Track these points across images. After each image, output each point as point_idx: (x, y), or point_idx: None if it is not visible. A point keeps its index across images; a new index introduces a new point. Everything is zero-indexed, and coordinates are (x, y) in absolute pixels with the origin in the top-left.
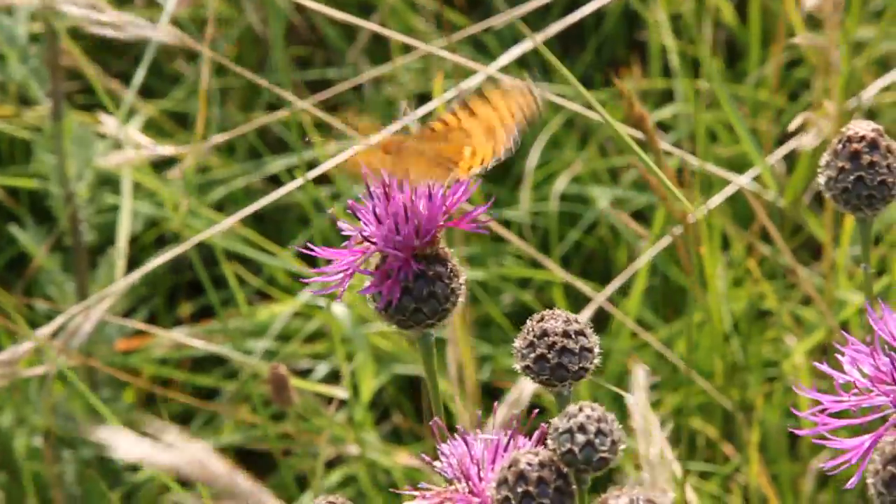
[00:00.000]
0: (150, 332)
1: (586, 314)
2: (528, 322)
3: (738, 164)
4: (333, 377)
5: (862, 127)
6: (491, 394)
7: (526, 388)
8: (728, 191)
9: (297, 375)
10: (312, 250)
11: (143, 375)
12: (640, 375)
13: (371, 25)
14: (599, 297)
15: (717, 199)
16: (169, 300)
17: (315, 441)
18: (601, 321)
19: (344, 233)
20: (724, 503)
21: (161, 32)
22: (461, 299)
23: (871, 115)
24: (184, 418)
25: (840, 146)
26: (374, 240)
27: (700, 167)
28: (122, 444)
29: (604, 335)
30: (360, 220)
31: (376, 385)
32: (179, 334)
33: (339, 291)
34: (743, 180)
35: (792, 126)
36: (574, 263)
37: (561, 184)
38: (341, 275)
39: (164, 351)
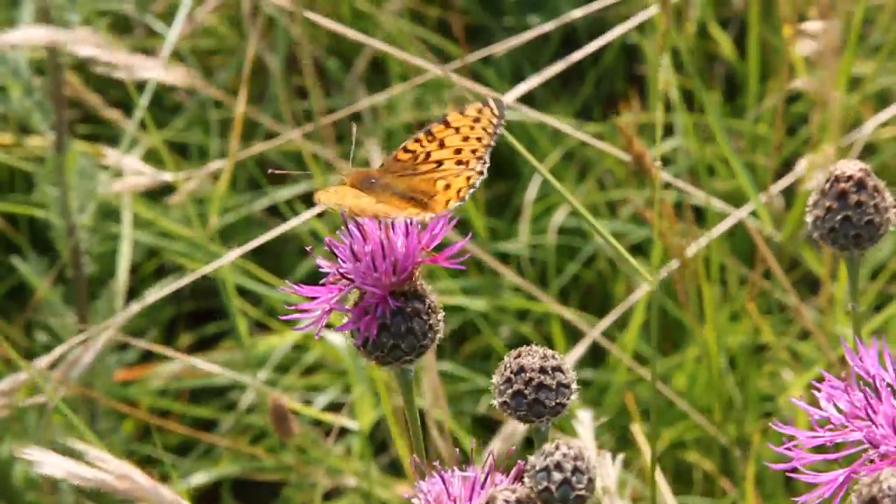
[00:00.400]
0: (150, 360)
1: (580, 349)
2: (506, 358)
3: (736, 198)
4: (331, 409)
5: (849, 166)
6: (489, 426)
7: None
8: (725, 224)
9: (297, 406)
10: (293, 287)
11: (141, 406)
12: (585, 416)
13: (374, 42)
14: (593, 332)
15: (714, 233)
16: (168, 331)
17: (313, 472)
18: (599, 354)
19: (322, 269)
20: None
21: (169, 74)
22: (440, 335)
23: (869, 150)
24: (182, 449)
25: (827, 185)
26: (351, 277)
27: (706, 202)
28: (48, 461)
29: (601, 368)
30: (337, 257)
31: (375, 417)
32: (187, 357)
33: (316, 328)
34: (740, 213)
35: (798, 170)
36: (573, 296)
37: (559, 217)
38: (320, 312)
39: (162, 382)
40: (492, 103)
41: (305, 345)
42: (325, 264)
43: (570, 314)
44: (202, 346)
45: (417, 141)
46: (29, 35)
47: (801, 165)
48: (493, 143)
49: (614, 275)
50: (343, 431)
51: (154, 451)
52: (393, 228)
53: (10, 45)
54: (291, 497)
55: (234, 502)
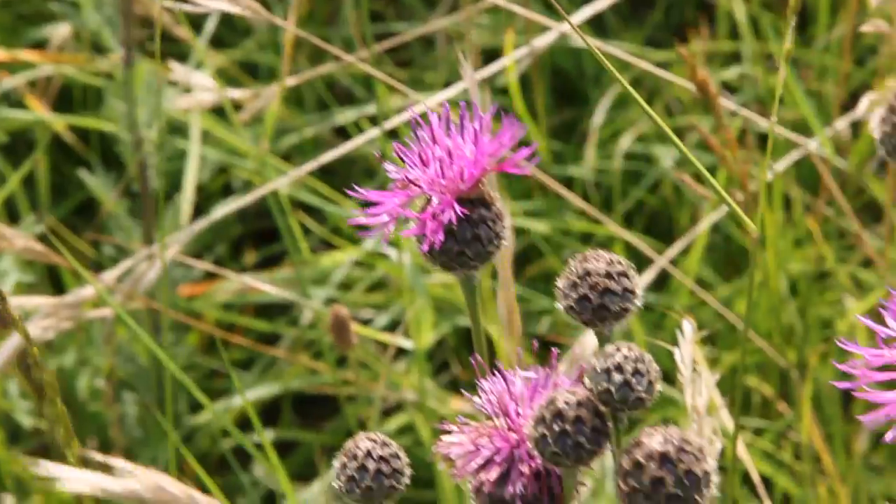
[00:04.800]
0: (216, 275)
1: (648, 276)
2: (571, 262)
3: (803, 126)
4: (393, 327)
5: None
6: (549, 348)
7: (588, 343)
8: (794, 156)
9: (358, 324)
10: (360, 192)
11: (206, 320)
12: (688, 329)
13: None
14: (661, 261)
15: (782, 165)
16: (234, 248)
17: (373, 388)
18: (661, 278)
19: (390, 175)
20: (776, 459)
21: (235, 6)
22: (505, 242)
23: None
24: (245, 363)
25: None
26: (418, 183)
27: (769, 129)
28: (73, 476)
29: (663, 293)
30: (405, 162)
31: (437, 336)
32: (247, 277)
33: (384, 233)
34: (807, 145)
35: (860, 109)
36: (637, 221)
37: (625, 142)
38: (387, 217)
39: (227, 297)
40: None
41: (369, 262)
42: (392, 169)
43: (634, 238)
44: (269, 263)
45: None
46: None
47: (864, 104)
48: None
49: (679, 201)
50: (405, 349)
51: (218, 365)
52: (462, 135)
53: None
54: (353, 412)
55: (295, 417)
